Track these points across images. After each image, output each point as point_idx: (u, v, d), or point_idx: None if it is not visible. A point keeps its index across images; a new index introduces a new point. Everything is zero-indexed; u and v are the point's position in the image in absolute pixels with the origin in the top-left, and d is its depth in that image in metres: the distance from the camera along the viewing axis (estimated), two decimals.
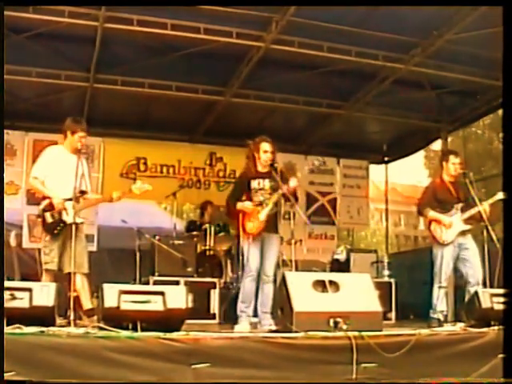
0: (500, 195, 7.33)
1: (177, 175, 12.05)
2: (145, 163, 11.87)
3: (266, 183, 7.00)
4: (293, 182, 6.89)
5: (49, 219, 6.62)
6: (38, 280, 6.58)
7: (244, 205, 6.91)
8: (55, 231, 6.59)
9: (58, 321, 5.54)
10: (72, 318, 5.69)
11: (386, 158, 13.91)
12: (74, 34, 8.40)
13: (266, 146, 7.01)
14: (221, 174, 12.32)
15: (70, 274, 6.31)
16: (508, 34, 5.50)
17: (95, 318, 5.94)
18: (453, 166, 7.73)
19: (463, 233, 7.56)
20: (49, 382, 4.49)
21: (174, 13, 7.95)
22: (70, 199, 6.47)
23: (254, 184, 6.99)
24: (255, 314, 6.99)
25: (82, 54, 9.05)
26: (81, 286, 6.49)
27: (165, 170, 12.03)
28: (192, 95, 10.29)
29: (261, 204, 6.89)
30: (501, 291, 6.39)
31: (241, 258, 6.93)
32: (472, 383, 5.49)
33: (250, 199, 6.95)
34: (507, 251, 5.40)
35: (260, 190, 6.97)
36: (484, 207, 7.38)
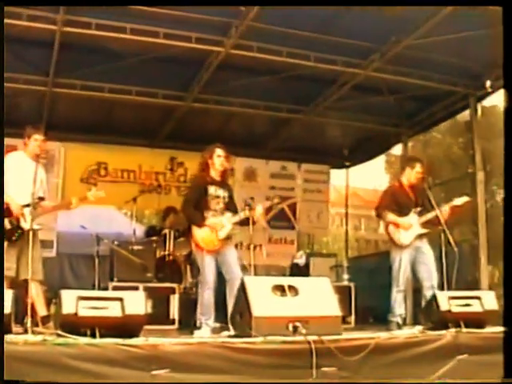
0: (457, 201, 7.51)
1: (137, 180, 11.95)
2: (105, 168, 11.77)
3: (221, 192, 7.08)
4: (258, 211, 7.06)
5: (7, 226, 6.55)
6: None
7: (202, 232, 6.94)
8: (13, 237, 6.53)
9: (15, 328, 5.46)
10: (29, 325, 5.61)
11: (347, 163, 13.94)
12: (33, 37, 8.28)
13: (219, 152, 7.10)
14: (181, 178, 12.24)
15: (25, 280, 6.25)
16: (508, 33, 5.54)
17: (51, 324, 5.89)
18: (415, 173, 7.81)
19: (420, 236, 7.66)
20: (47, 382, 4.46)
21: (134, 17, 7.91)
22: (28, 205, 6.42)
23: (211, 190, 7.03)
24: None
25: (40, 58, 8.94)
26: (35, 292, 6.42)
27: (125, 174, 11.94)
28: (152, 100, 10.27)
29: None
30: (458, 293, 6.54)
31: (199, 266, 6.93)
32: (473, 383, 5.56)
33: (207, 206, 6.97)
34: (507, 254, 5.42)
35: (216, 197, 7.03)
36: (441, 211, 7.47)
